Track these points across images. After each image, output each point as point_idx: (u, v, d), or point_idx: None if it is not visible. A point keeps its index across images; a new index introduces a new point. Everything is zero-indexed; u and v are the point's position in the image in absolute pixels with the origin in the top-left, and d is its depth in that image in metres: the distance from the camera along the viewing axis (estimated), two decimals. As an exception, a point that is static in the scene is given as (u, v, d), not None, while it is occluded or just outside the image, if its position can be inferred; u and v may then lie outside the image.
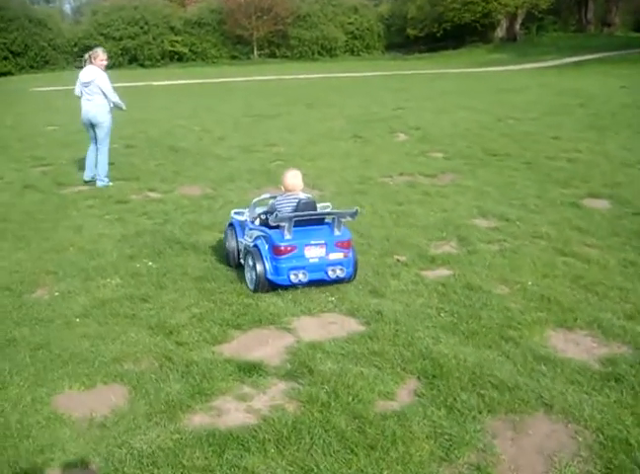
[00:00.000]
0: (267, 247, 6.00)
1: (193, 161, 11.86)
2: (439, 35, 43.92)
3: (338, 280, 6.08)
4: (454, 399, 4.27)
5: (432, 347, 4.96)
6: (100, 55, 9.87)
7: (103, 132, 9.95)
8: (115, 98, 9.89)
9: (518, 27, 44.81)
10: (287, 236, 5.89)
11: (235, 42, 44.94)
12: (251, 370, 4.58)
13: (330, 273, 5.97)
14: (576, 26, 48.55)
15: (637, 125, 15.21)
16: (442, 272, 6.62)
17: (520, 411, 4.16)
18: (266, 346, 4.98)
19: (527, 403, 4.24)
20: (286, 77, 30.81)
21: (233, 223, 6.76)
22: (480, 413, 4.12)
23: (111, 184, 10.08)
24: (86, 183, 10.23)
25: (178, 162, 11.81)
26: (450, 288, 6.12)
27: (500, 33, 44.77)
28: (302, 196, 6.33)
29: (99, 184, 10.02)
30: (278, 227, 5.99)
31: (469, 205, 9.09)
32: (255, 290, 5.98)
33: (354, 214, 6.16)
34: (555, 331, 5.37)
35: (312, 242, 5.97)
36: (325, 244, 6.00)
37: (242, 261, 6.47)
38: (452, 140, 13.91)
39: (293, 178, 6.28)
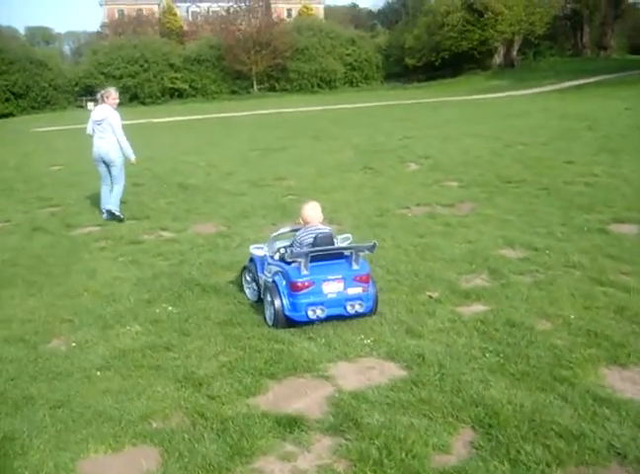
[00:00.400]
0: (284, 283, 5.71)
1: (204, 198, 11.58)
2: (437, 63, 44.10)
3: (357, 315, 5.82)
4: (517, 451, 3.91)
5: (482, 391, 4.61)
6: (112, 94, 9.96)
7: (117, 170, 9.99)
8: (125, 143, 9.96)
9: (515, 53, 45.01)
10: (304, 271, 5.62)
11: (235, 77, 45.11)
12: (292, 425, 4.22)
13: (349, 308, 5.71)
14: (572, 50, 48.79)
15: (652, 147, 14.95)
16: (478, 307, 6.28)
17: (591, 462, 3.81)
18: (304, 396, 4.62)
19: (598, 453, 3.88)
20: (288, 110, 30.77)
21: (254, 258, 6.49)
22: (549, 466, 3.77)
23: (122, 216, 9.99)
24: (107, 219, 10.15)
25: (188, 199, 11.53)
26: (491, 326, 5.78)
27: (497, 59, 44.96)
28: (321, 228, 6.04)
29: (111, 208, 9.93)
30: (295, 262, 5.72)
31: (494, 235, 8.78)
32: (273, 326, 5.74)
33: (372, 248, 5.89)
34: (609, 369, 5.03)
35: (330, 277, 5.68)
36: (343, 279, 5.74)
37: (262, 296, 6.19)
38: (465, 168, 13.67)
39: (312, 210, 6.02)
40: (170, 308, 6.32)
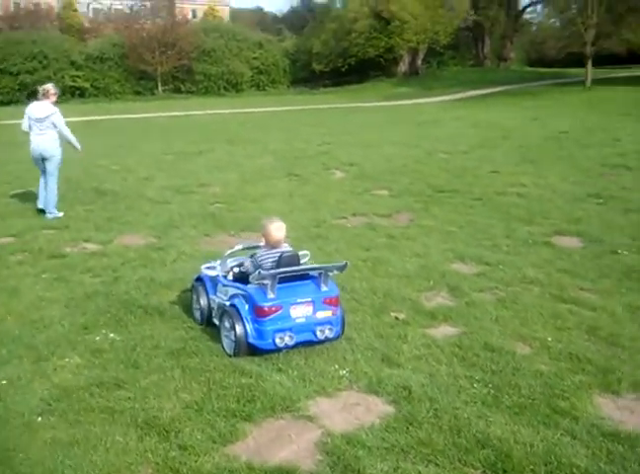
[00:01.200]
0: (247, 307, 5.13)
1: (125, 205, 10.70)
2: (343, 69, 44.13)
3: (326, 341, 5.33)
4: (542, 502, 3.49)
5: (484, 429, 4.21)
6: (52, 90, 9.92)
7: (53, 166, 9.95)
8: (70, 136, 10.10)
9: (419, 61, 45.78)
10: (271, 295, 5.06)
11: (138, 78, 43.31)
12: (284, 480, 3.64)
13: (318, 333, 5.23)
14: (473, 60, 50.20)
15: (568, 158, 15.29)
16: (448, 329, 5.92)
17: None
18: (290, 442, 4.06)
19: (628, 501, 3.52)
20: (196, 113, 29.78)
21: (202, 278, 5.86)
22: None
23: (60, 215, 9.94)
24: (40, 211, 10.11)
25: (108, 207, 10.62)
26: (469, 351, 5.42)
27: (403, 67, 45.56)
28: (284, 248, 5.48)
29: (48, 216, 9.86)
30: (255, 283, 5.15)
31: (441, 249, 8.50)
32: (234, 355, 5.15)
33: (343, 268, 5.42)
34: (603, 397, 4.79)
35: (299, 301, 5.15)
36: (312, 302, 5.21)
37: (215, 320, 5.64)
38: (393, 177, 13.43)
39: (278, 231, 5.45)
40: (111, 335, 5.58)
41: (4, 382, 4.79)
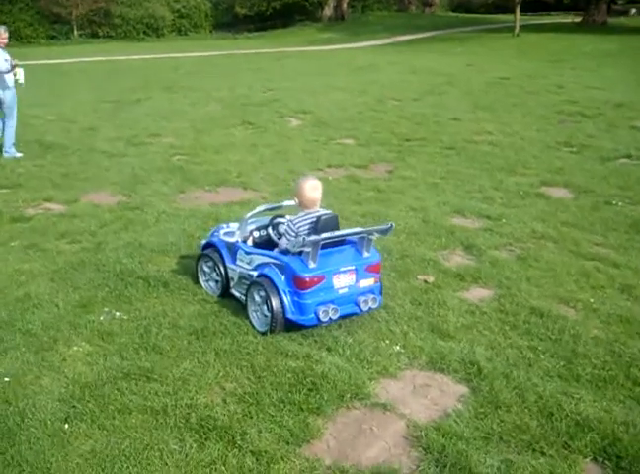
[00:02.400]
0: (283, 278, 4.49)
1: (78, 159, 9.67)
2: (268, 13, 42.50)
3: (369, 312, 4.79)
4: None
5: (576, 409, 3.82)
6: (2, 34, 9.66)
7: (7, 106, 9.79)
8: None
9: (345, 5, 44.64)
10: (312, 264, 4.43)
11: (53, 21, 39.96)
12: (389, 487, 3.11)
13: (362, 304, 4.66)
14: (398, 5, 49.45)
15: (522, 105, 15.11)
16: (483, 292, 5.50)
17: None
18: (375, 438, 3.53)
19: None
20: (120, 58, 27.86)
21: (215, 244, 5.16)
22: None
23: (19, 155, 9.85)
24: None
25: (59, 161, 9.56)
26: (517, 316, 5.04)
27: (328, 11, 44.33)
28: (322, 211, 4.85)
29: (5, 155, 9.78)
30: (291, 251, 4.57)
31: (434, 202, 8.06)
32: (268, 332, 4.53)
33: (388, 230, 4.81)
34: (675, 364, 4.42)
35: (342, 269, 4.55)
36: (355, 270, 4.63)
37: (235, 292, 5.00)
38: (353, 125, 12.85)
39: (314, 190, 4.79)
40: (117, 313, 4.83)
41: (7, 380, 4.00)
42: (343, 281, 4.60)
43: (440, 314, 4.98)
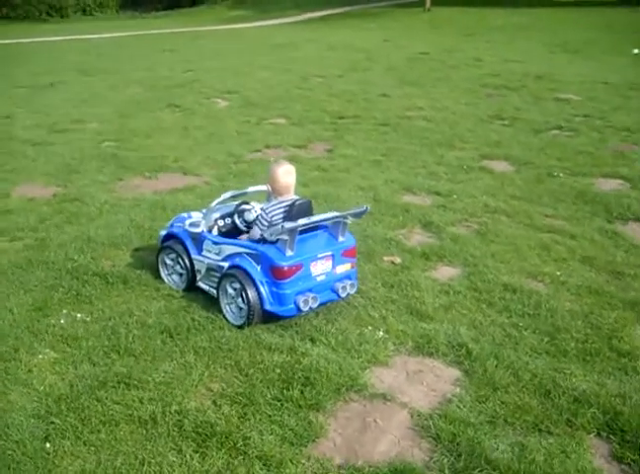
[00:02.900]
0: (259, 268, 4.28)
1: (-1, 149, 9.01)
2: (178, -10, 41.21)
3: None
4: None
5: (570, 384, 3.85)
6: None
7: None
8: None
9: (253, -18, 43.72)
10: (289, 252, 4.24)
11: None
12: (408, 482, 2.99)
13: (340, 291, 4.51)
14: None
15: (446, 79, 15.21)
16: (451, 270, 5.46)
17: None
18: (382, 432, 3.39)
19: None
20: (23, 41, 26.26)
21: (177, 235, 4.88)
22: None
23: None
24: None
25: (-23, 151, 8.88)
26: (491, 293, 5.04)
27: (236, -13, 43.37)
28: (295, 197, 4.65)
29: None
30: (264, 240, 4.37)
31: (381, 180, 7.97)
32: (244, 326, 4.30)
33: (363, 213, 4.67)
34: (643, 331, 4.52)
35: (319, 255, 4.38)
36: (332, 255, 4.47)
37: (202, 285, 4.72)
38: (283, 104, 12.57)
39: (288, 175, 4.57)
40: (78, 315, 4.49)
41: (-32, 395, 3.63)
42: (320, 268, 4.43)
43: (416, 296, 4.89)
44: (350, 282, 4.55)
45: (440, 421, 3.42)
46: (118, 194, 7.16)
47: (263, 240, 4.43)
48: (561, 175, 8.12)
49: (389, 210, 6.80)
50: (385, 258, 5.59)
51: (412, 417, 3.50)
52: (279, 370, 3.83)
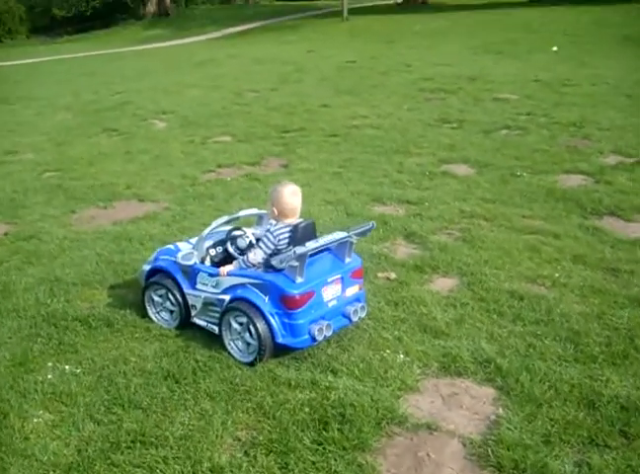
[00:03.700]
0: (267, 299, 3.96)
1: None
2: (88, 14, 39.94)
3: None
4: None
5: (612, 392, 3.70)
6: None
7: None
8: None
9: (168, 1, 43.08)
10: (299, 279, 3.93)
11: None
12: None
13: (352, 315, 4.23)
14: (220, -3, 48.59)
15: (381, 86, 15.16)
16: (449, 281, 5.28)
17: None
18: (439, 466, 3.14)
19: None
20: None
21: (165, 269, 4.50)
22: None
23: None
24: None
25: None
26: (498, 303, 4.86)
27: (151, 8, 42.46)
28: (296, 219, 4.34)
29: None
30: (271, 268, 4.04)
31: (347, 192, 7.75)
32: (255, 362, 3.95)
33: (369, 230, 4.42)
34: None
35: (329, 279, 4.10)
36: (341, 278, 4.19)
37: (199, 321, 4.39)
38: (223, 121, 12.23)
39: (294, 196, 4.26)
40: (66, 367, 4.05)
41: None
42: (331, 293, 4.14)
43: (424, 312, 4.67)
44: (360, 305, 4.28)
45: (496, 447, 3.19)
46: (75, 227, 6.67)
47: (266, 265, 4.10)
48: (524, 174, 8.08)
49: (366, 223, 6.54)
50: (380, 274, 5.35)
51: (465, 446, 3.25)
52: (307, 409, 3.51)
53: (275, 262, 3.95)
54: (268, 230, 4.18)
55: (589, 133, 9.86)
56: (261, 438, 3.30)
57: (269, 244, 4.08)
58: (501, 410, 3.52)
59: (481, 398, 3.67)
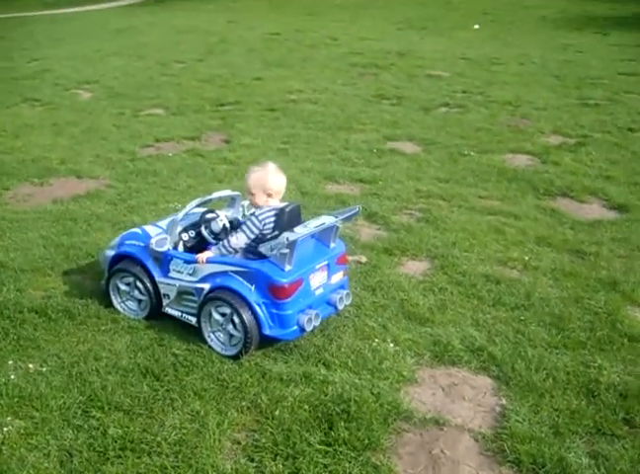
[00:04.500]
0: (253, 288, 3.72)
1: None
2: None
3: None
4: None
5: (607, 380, 3.69)
6: None
7: None
8: None
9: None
10: (288, 267, 3.71)
11: None
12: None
13: (338, 303, 4.05)
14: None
15: (311, 60, 14.98)
16: (421, 265, 5.19)
17: None
18: (452, 463, 3.01)
19: None
20: None
21: (133, 255, 4.16)
22: None
23: None
24: None
25: None
26: (476, 287, 4.81)
27: (55, -33, 40.07)
28: (279, 203, 4.08)
29: None
30: (251, 254, 3.81)
31: (297, 170, 7.54)
32: (238, 356, 3.70)
33: (355, 215, 4.23)
34: (633, 311, 4.49)
35: (317, 266, 3.90)
36: (327, 265, 4.00)
37: (172, 311, 4.08)
38: (153, 93, 11.69)
39: (276, 176, 3.98)
40: (30, 365, 3.68)
41: None
42: (318, 281, 3.94)
43: (403, 297, 4.54)
44: (345, 292, 4.10)
45: (510, 441, 3.09)
46: (11, 206, 6.16)
47: (247, 251, 3.84)
48: (472, 153, 8.09)
49: (323, 203, 6.38)
50: (350, 258, 5.15)
51: (477, 441, 3.14)
52: (307, 406, 3.31)
53: (263, 249, 3.69)
54: (252, 214, 3.91)
55: (527, 113, 9.98)
56: (263, 441, 3.08)
57: (253, 229, 3.81)
58: (504, 401, 3.44)
59: (481, 388, 3.57)
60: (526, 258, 5.23)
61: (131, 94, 11.60)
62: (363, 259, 5.14)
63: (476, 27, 20.59)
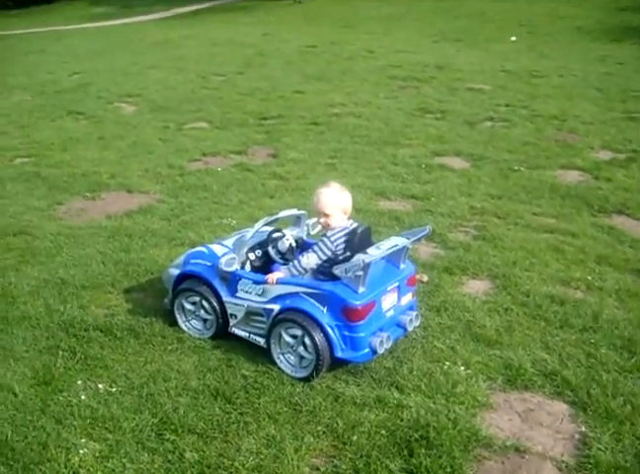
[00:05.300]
0: (325, 310, 3.67)
1: None
2: (28, -12, 38.09)
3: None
4: None
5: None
6: None
7: None
8: None
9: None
10: (361, 289, 3.66)
11: None
12: None
13: (408, 325, 4.00)
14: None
15: (351, 73, 14.89)
16: (482, 284, 5.10)
17: None
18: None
19: None
20: None
21: (199, 274, 4.14)
22: None
23: None
24: None
25: None
26: (541, 308, 4.72)
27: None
28: (349, 223, 4.04)
29: None
30: (322, 274, 3.78)
31: (347, 186, 7.27)
32: (309, 378, 3.67)
33: (426, 235, 4.18)
34: None
35: (388, 288, 3.85)
36: (398, 286, 3.95)
37: (239, 331, 4.04)
38: (195, 106, 11.75)
39: (348, 194, 3.97)
40: (100, 386, 3.66)
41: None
42: (389, 302, 3.89)
43: (468, 318, 4.47)
44: (414, 313, 4.05)
45: (595, 471, 3.01)
46: (66, 221, 6.21)
47: (317, 271, 3.81)
48: (522, 169, 7.99)
49: (379, 221, 6.33)
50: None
51: (560, 470, 3.07)
52: (384, 432, 3.25)
53: (338, 271, 3.65)
54: (324, 235, 3.88)
55: (573, 127, 9.85)
56: (344, 467, 3.03)
57: (325, 250, 3.78)
58: (584, 428, 3.35)
59: (557, 414, 3.49)
60: (589, 277, 5.13)
61: (174, 107, 11.68)
62: (425, 278, 5.08)
63: (513, 39, 20.45)
